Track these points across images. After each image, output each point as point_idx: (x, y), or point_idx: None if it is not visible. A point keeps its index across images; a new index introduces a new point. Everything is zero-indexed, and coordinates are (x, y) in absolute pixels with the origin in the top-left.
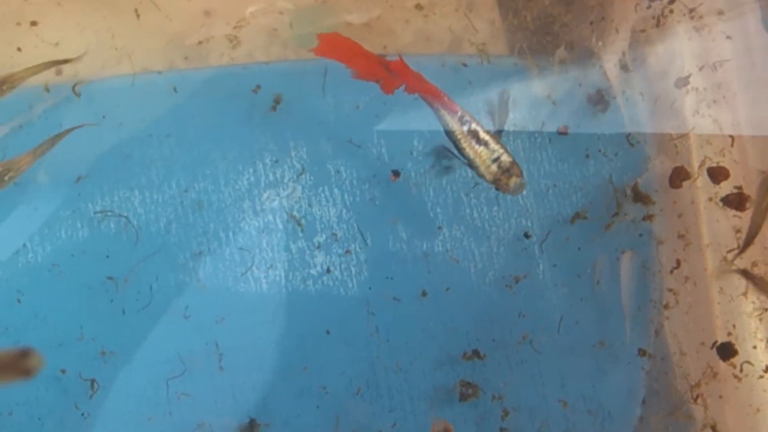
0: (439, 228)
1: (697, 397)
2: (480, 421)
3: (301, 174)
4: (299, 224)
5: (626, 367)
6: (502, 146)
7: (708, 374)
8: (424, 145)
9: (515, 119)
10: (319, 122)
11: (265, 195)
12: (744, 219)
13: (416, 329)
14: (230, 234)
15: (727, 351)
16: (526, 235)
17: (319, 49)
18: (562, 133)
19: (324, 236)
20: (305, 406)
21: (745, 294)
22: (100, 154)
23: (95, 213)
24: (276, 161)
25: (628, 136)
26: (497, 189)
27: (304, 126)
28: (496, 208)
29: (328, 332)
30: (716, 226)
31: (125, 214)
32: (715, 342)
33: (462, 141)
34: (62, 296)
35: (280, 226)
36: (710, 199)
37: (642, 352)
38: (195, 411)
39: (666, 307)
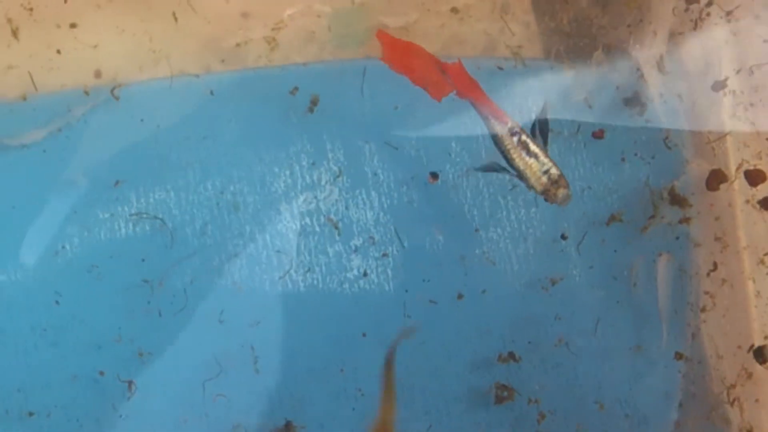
0: (476, 230)
1: (734, 400)
2: (515, 424)
3: (338, 176)
4: (336, 227)
5: (663, 371)
6: (550, 158)
7: (743, 376)
8: (462, 147)
9: (551, 122)
10: (356, 124)
11: (302, 197)
12: None
13: (452, 331)
14: (267, 236)
15: (763, 354)
16: (563, 237)
17: (383, 52)
18: (597, 137)
19: (361, 239)
20: (341, 408)
21: None
22: (137, 156)
23: (131, 215)
24: (313, 163)
25: (665, 138)
26: (546, 200)
27: (342, 128)
28: (534, 209)
29: (364, 335)
30: (753, 229)
31: (160, 216)
32: (752, 345)
33: (512, 152)
34: (100, 298)
35: (317, 229)
36: (747, 202)
37: (679, 356)
38: (231, 412)
39: (703, 310)
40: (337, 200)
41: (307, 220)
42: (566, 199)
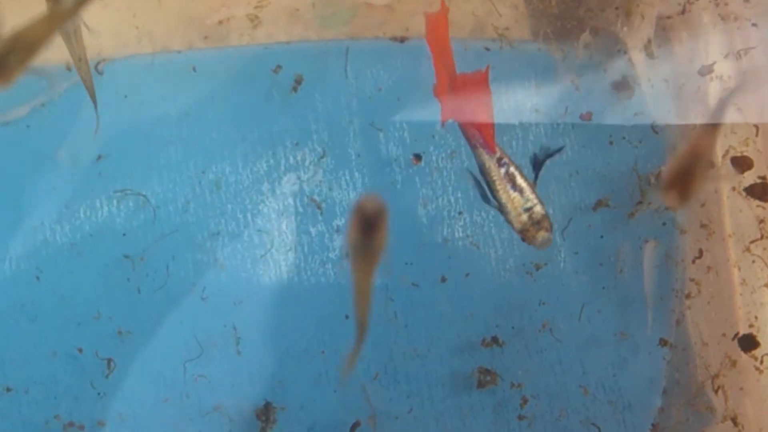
0: (460, 213)
1: (718, 388)
2: (498, 408)
3: (322, 157)
4: (319, 207)
5: (647, 357)
6: (537, 196)
7: (727, 365)
8: (446, 129)
9: (538, 104)
10: (340, 104)
11: (285, 178)
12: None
13: (435, 315)
14: (249, 216)
15: (748, 342)
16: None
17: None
18: (585, 119)
19: (344, 220)
20: (322, 390)
21: (767, 285)
22: (120, 133)
23: (114, 192)
24: (296, 144)
25: (652, 123)
26: (522, 239)
27: (325, 108)
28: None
29: (346, 317)
30: (739, 216)
31: (144, 192)
32: (737, 333)
33: (497, 183)
34: (80, 275)
35: (300, 209)
36: (734, 189)
37: (663, 342)
38: (212, 393)
39: (688, 297)
40: (320, 181)
41: (290, 200)
42: (546, 243)
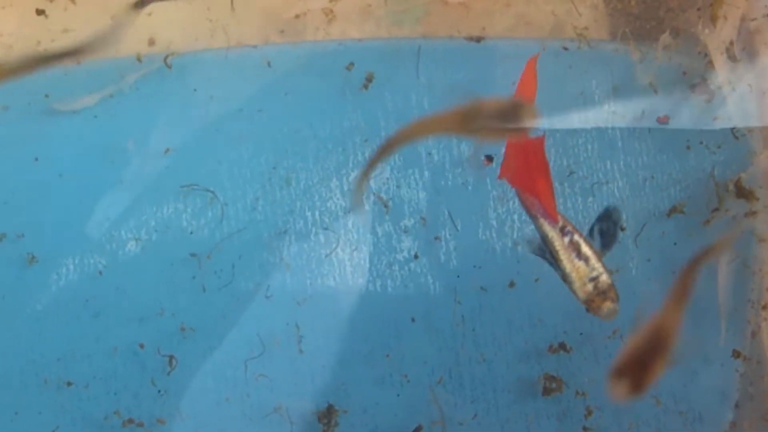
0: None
1: None
2: (563, 417)
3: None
4: (386, 206)
5: (720, 369)
6: (604, 265)
7: None
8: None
9: (615, 107)
10: (410, 102)
11: (354, 175)
12: None
13: (502, 320)
14: (317, 213)
15: None
16: (621, 228)
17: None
18: (662, 123)
19: (412, 220)
20: (385, 393)
21: None
22: (189, 127)
23: (182, 187)
24: (366, 140)
25: (733, 128)
26: (587, 310)
27: (396, 106)
28: (591, 199)
29: (413, 320)
30: None
31: (212, 189)
32: None
33: (561, 253)
34: (144, 270)
35: (367, 208)
36: None
37: (737, 354)
38: (273, 393)
39: (764, 308)
40: (388, 179)
41: None
42: (611, 314)
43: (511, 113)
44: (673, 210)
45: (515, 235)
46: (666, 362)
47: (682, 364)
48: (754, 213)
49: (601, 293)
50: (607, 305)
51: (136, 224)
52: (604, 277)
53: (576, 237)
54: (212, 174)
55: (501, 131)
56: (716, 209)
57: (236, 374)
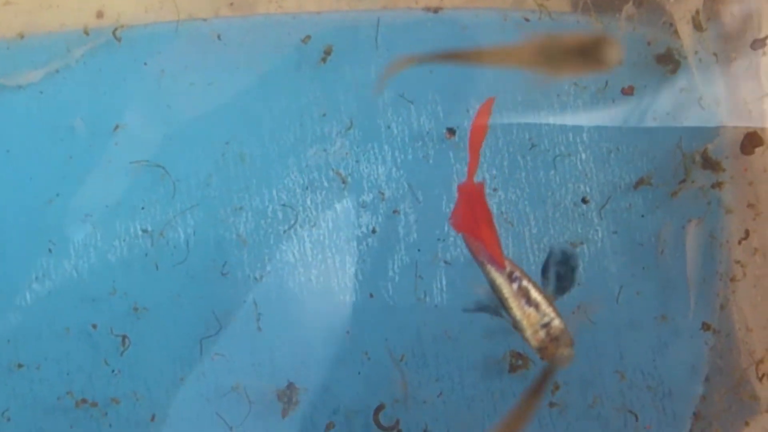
0: (495, 190)
1: (762, 376)
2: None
3: (349, 128)
4: (345, 181)
5: (689, 342)
6: (555, 309)
7: None
8: (480, 103)
9: (577, 78)
10: (370, 75)
11: (312, 150)
12: None
13: (466, 295)
14: (273, 190)
15: None
16: (584, 201)
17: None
18: (627, 94)
19: (371, 195)
20: (346, 371)
21: None
22: (138, 102)
23: (132, 163)
24: (324, 115)
25: (699, 98)
26: (541, 358)
27: (355, 78)
28: (553, 171)
29: (371, 295)
30: None
31: (163, 165)
32: None
33: (510, 300)
34: (95, 248)
35: (326, 183)
36: None
37: (706, 327)
38: (230, 372)
39: (733, 280)
40: (347, 154)
41: (315, 174)
42: (566, 360)
43: (592, 49)
44: (640, 182)
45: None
46: None
47: (651, 339)
48: (720, 184)
49: (554, 339)
50: (561, 352)
51: (86, 201)
52: (557, 322)
53: (525, 282)
54: (163, 150)
55: (579, 66)
56: (683, 180)
57: (192, 353)
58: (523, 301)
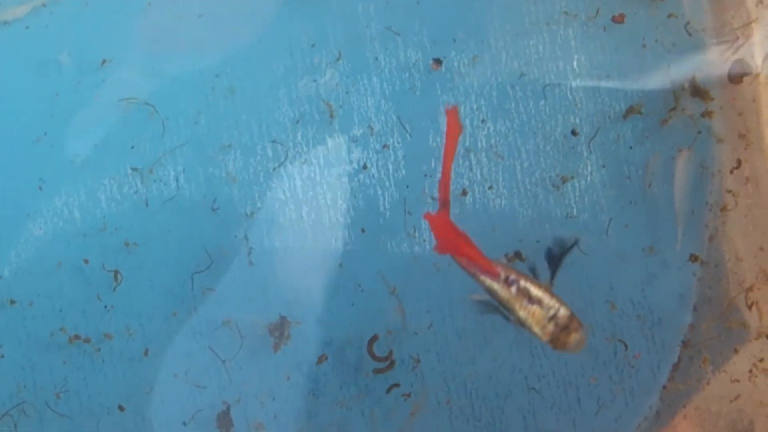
0: (483, 121)
1: (752, 304)
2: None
3: (338, 59)
4: (334, 114)
5: (677, 273)
6: (557, 298)
7: (762, 278)
8: (469, 34)
9: (567, 6)
10: (356, 8)
11: (302, 82)
12: None
13: None
14: (263, 126)
15: None
16: (573, 133)
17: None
18: (617, 22)
19: (361, 129)
20: (339, 303)
21: None
22: (126, 37)
23: (120, 100)
24: (313, 45)
25: (686, 24)
26: (553, 348)
27: (342, 12)
28: (542, 102)
29: (363, 230)
30: None
31: (152, 102)
32: None
33: (511, 302)
34: (85, 185)
35: (316, 117)
36: None
37: (694, 258)
38: (222, 307)
39: (723, 210)
40: (337, 85)
41: (306, 106)
42: (579, 344)
43: None
44: (630, 111)
45: (467, 142)
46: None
47: (640, 269)
48: (710, 113)
49: (564, 328)
50: (573, 337)
51: (75, 138)
52: (562, 311)
53: (522, 282)
54: (152, 86)
55: None
56: (673, 108)
57: (183, 289)
58: (525, 301)
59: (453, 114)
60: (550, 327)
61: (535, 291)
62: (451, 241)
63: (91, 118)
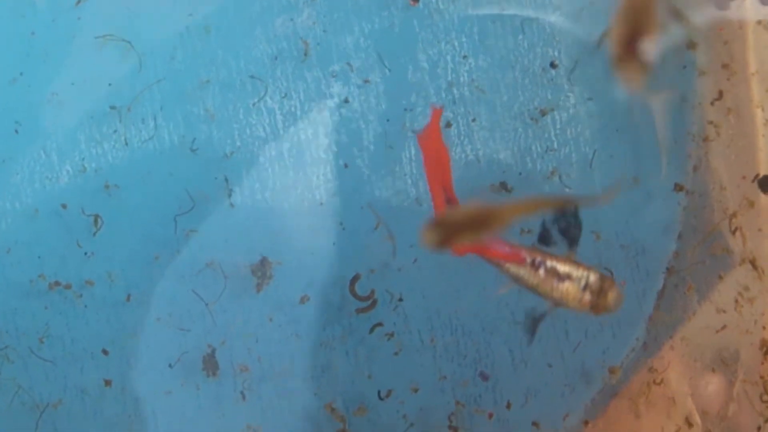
0: (464, 57)
1: (735, 230)
2: None
3: None
4: (306, 53)
5: (662, 203)
6: (582, 265)
7: (745, 205)
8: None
9: None
10: None
11: (278, 21)
12: None
13: None
14: (241, 62)
15: None
16: (552, 65)
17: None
18: None
19: (340, 65)
20: (320, 242)
21: None
22: None
23: (96, 38)
24: None
25: None
26: (596, 314)
27: None
28: (521, 36)
29: (345, 165)
30: (764, 53)
31: (128, 39)
32: (757, 174)
33: (542, 286)
34: (62, 126)
35: (295, 54)
36: (759, 23)
37: (679, 187)
38: (204, 249)
39: (706, 140)
40: (314, 23)
41: (284, 43)
42: (618, 301)
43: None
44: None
45: (449, 77)
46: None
47: (624, 200)
48: (694, 45)
49: (599, 292)
50: (611, 297)
51: (50, 78)
52: (592, 277)
53: (549, 262)
54: (127, 23)
55: None
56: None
57: (165, 231)
58: (555, 281)
59: (427, 138)
60: (587, 297)
61: (562, 267)
62: (475, 249)
63: (67, 56)
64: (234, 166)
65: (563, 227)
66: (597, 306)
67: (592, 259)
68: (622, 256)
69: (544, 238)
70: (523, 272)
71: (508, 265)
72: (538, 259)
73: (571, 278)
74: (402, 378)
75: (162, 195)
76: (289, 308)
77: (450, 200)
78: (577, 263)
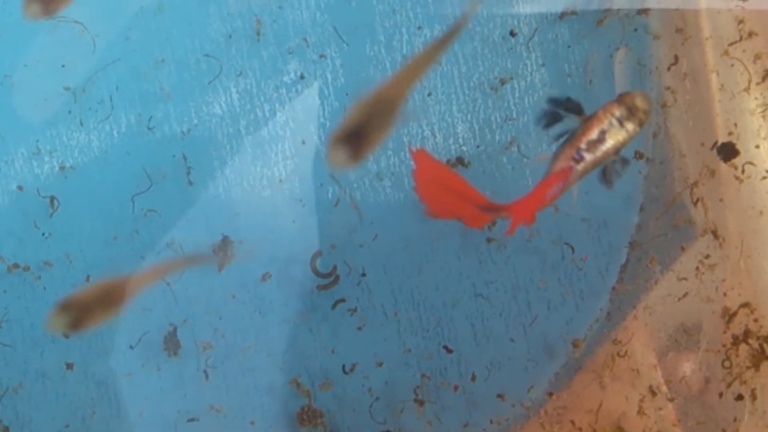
0: (419, 28)
1: (697, 200)
2: (466, 232)
3: None
4: (265, 30)
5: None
6: (597, 115)
7: (705, 174)
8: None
9: None
10: None
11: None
12: (747, 8)
13: (397, 136)
14: (196, 40)
15: (728, 151)
16: (512, 34)
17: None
18: None
19: (296, 41)
20: (281, 220)
21: (747, 89)
22: None
23: (48, 19)
24: None
25: None
26: (640, 126)
27: None
28: (480, 6)
29: (303, 142)
30: (717, 18)
31: (80, 20)
32: (716, 142)
33: (601, 158)
34: (15, 108)
35: (249, 32)
36: None
37: (639, 155)
38: (164, 229)
39: (664, 106)
40: (269, 0)
41: (238, 21)
42: (646, 99)
43: None
44: (566, 12)
45: (404, 50)
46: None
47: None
48: (646, 11)
49: (631, 113)
50: (640, 104)
51: (2, 60)
52: (616, 112)
53: (581, 144)
54: (80, 4)
55: None
56: (609, 8)
57: (123, 212)
58: (601, 147)
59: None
60: (630, 126)
61: (591, 134)
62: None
63: (19, 38)
64: (192, 144)
65: (563, 102)
66: (642, 121)
67: (552, 232)
68: (584, 230)
69: (553, 118)
70: (580, 168)
71: (570, 181)
72: (573, 151)
73: (606, 132)
74: (366, 352)
75: (119, 175)
76: (252, 285)
77: (487, 207)
78: (595, 120)
